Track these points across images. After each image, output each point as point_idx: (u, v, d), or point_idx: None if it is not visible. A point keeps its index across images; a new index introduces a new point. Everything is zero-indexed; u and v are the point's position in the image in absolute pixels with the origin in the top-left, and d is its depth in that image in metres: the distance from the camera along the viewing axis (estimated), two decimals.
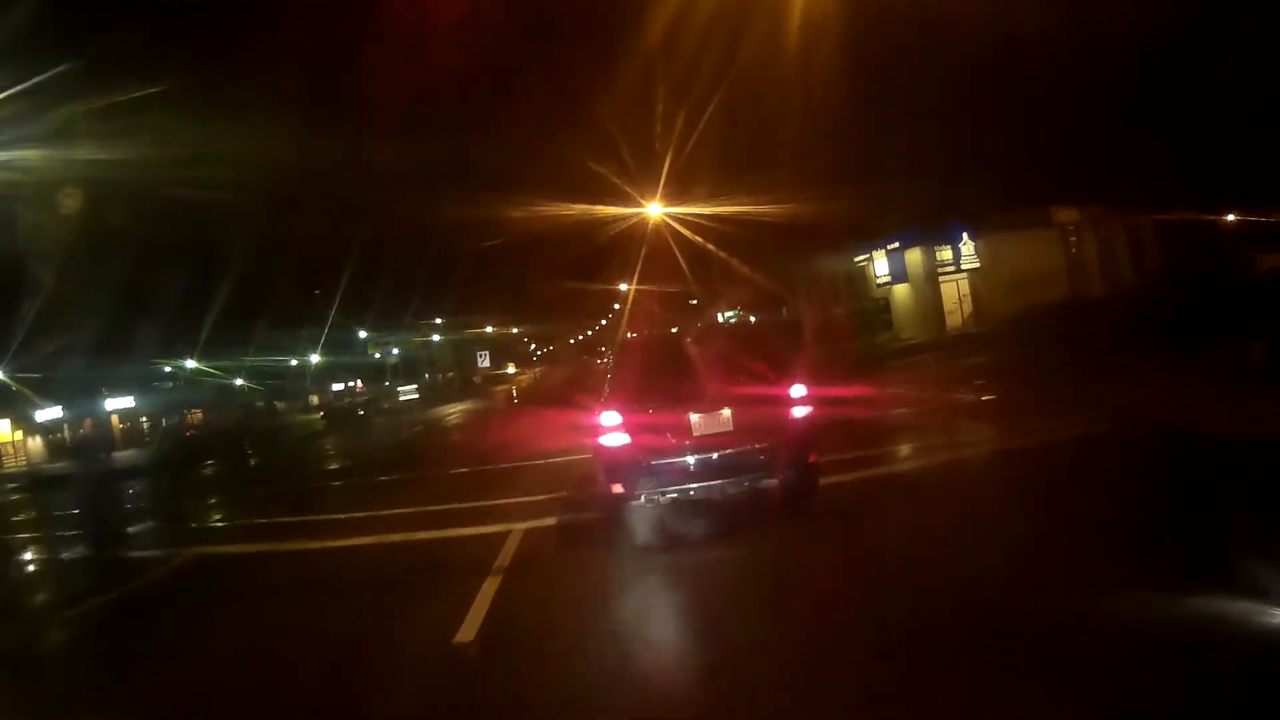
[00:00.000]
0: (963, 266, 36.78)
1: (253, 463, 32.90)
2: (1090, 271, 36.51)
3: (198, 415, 58.93)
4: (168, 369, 59.60)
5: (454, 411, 47.90)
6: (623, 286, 63.44)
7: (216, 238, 49.10)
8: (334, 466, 26.02)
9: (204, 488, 25.42)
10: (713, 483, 8.78)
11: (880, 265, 39.41)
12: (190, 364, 57.60)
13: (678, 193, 36.79)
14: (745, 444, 8.77)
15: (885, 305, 40.01)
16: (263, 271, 56.49)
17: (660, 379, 9.53)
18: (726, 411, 8.86)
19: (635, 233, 41.96)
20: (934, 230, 36.54)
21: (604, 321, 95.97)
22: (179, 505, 20.50)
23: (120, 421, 57.72)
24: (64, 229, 35.20)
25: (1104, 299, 32.17)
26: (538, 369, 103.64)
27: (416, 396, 66.40)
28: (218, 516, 17.56)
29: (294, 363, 69.67)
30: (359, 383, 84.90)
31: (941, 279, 37.33)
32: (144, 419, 59.50)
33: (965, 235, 36.49)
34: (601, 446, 9.17)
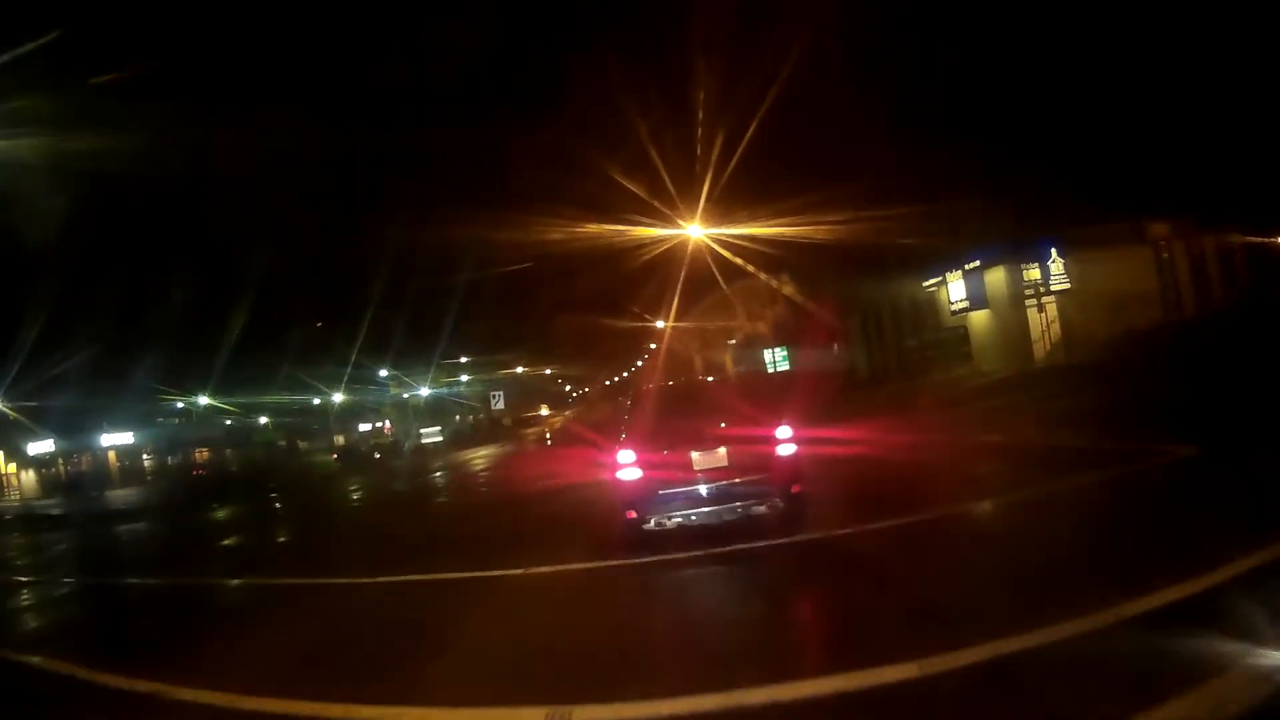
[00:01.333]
0: (1052, 288, 32.33)
1: (277, 506, 29.67)
2: (1183, 291, 32.30)
3: (204, 454, 55.62)
4: (179, 404, 55.86)
5: (477, 457, 44.03)
6: (660, 324, 59.74)
7: (232, 269, 45.90)
8: (283, 534, 21.63)
9: (155, 547, 21.46)
10: (711, 509, 9.88)
11: (956, 289, 34.92)
12: (203, 400, 53.82)
13: (721, 213, 32.83)
14: (737, 477, 9.92)
15: (964, 335, 35.50)
16: (282, 306, 53.05)
17: (667, 422, 10.89)
18: (722, 450, 10.03)
19: (674, 259, 38.07)
20: (1019, 247, 32.25)
21: (640, 362, 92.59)
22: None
23: (119, 458, 54.26)
24: (70, 250, 32.30)
25: (1199, 322, 28.81)
26: (570, 411, 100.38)
27: (440, 439, 62.59)
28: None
29: (316, 401, 66.11)
30: (388, 423, 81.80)
31: (1028, 303, 32.83)
32: (145, 456, 56.10)
33: (1054, 252, 32.15)
34: (619, 480, 10.35)
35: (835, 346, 49.85)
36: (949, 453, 15.96)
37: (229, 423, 58.47)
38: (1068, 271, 31.95)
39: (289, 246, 49.76)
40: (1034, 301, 32.64)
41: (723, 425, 10.30)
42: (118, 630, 10.52)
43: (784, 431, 10.16)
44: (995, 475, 12.51)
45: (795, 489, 10.09)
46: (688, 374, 64.02)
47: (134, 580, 14.98)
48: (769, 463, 10.05)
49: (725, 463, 9.98)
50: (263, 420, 61.45)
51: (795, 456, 10.25)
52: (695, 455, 9.99)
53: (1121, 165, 28.86)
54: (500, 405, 59.30)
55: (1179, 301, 32.00)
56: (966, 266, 33.88)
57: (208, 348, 46.28)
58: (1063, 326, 32.60)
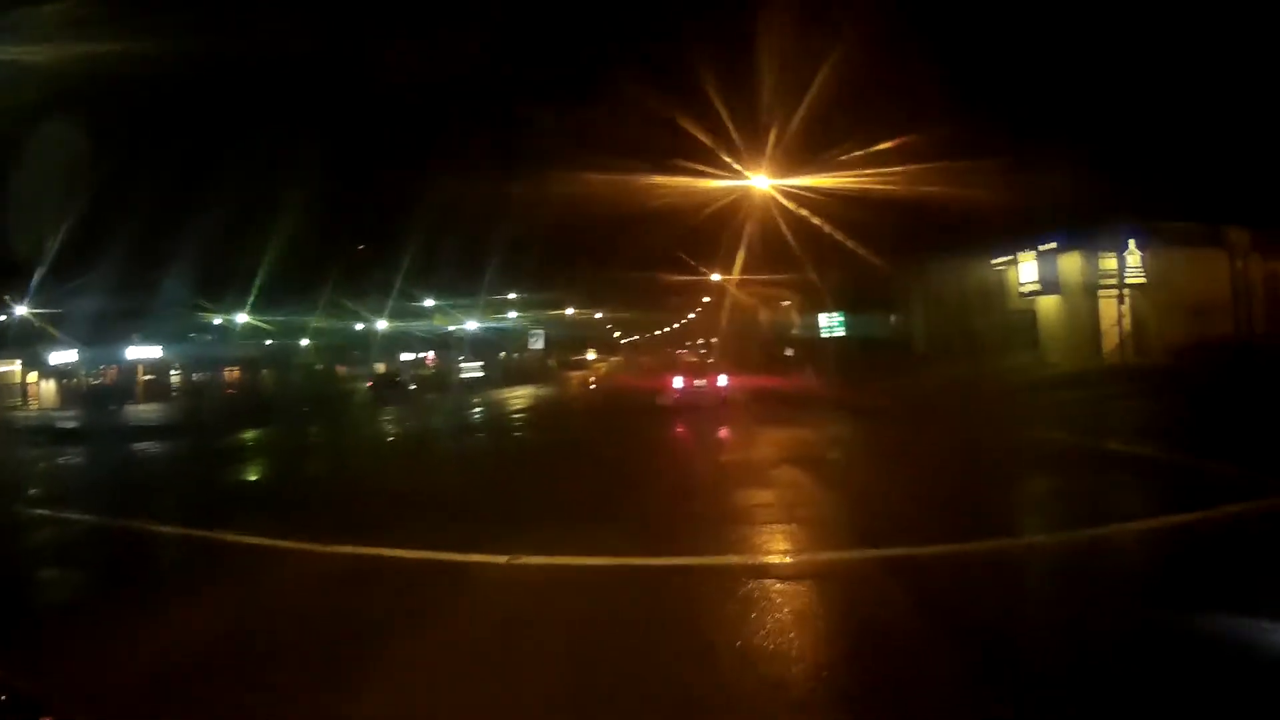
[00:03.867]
0: (1128, 280, 30.09)
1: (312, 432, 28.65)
2: (1255, 306, 30.11)
3: (236, 374, 54.80)
4: (215, 320, 54.71)
5: (515, 396, 43.03)
6: (715, 277, 58.07)
7: (279, 184, 44.62)
8: (276, 470, 20.11)
9: (129, 473, 20.11)
10: (699, 396, 28.63)
11: (1027, 270, 32.68)
12: (240, 318, 52.76)
13: (787, 165, 30.85)
14: (707, 389, 29.14)
15: (1032, 320, 33.22)
16: (329, 227, 51.83)
17: (686, 368, 36.64)
18: (704, 380, 29.95)
19: (735, 211, 36.27)
20: (1096, 233, 30.07)
21: (692, 315, 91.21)
22: None
23: (145, 372, 53.51)
24: (110, 150, 31.19)
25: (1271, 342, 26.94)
26: (617, 358, 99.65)
27: (481, 375, 61.46)
28: None
29: (359, 327, 65.02)
30: (431, 354, 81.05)
31: (1102, 293, 30.63)
32: (174, 371, 55.31)
33: (1132, 243, 29.87)
34: (670, 389, 29.26)
35: (892, 318, 47.85)
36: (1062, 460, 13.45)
37: (269, 343, 57.51)
38: (1145, 266, 29.76)
39: (341, 165, 48.42)
40: (1108, 293, 30.44)
41: (703, 373, 31.19)
42: None
43: (723, 378, 29.49)
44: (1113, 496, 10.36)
45: (724, 395, 28.59)
46: (742, 331, 62.74)
47: (65, 515, 13.14)
48: (716, 386, 29.05)
49: (705, 385, 29.20)
50: (304, 342, 60.40)
51: (728, 386, 29.16)
52: (695, 381, 29.54)
53: (1210, 164, 26.79)
54: (539, 345, 57.05)
55: (1250, 315, 29.82)
56: (1041, 248, 31.70)
57: (249, 264, 45.04)
58: (1134, 323, 30.43)
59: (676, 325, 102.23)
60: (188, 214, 39.76)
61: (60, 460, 22.98)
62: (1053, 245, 31.26)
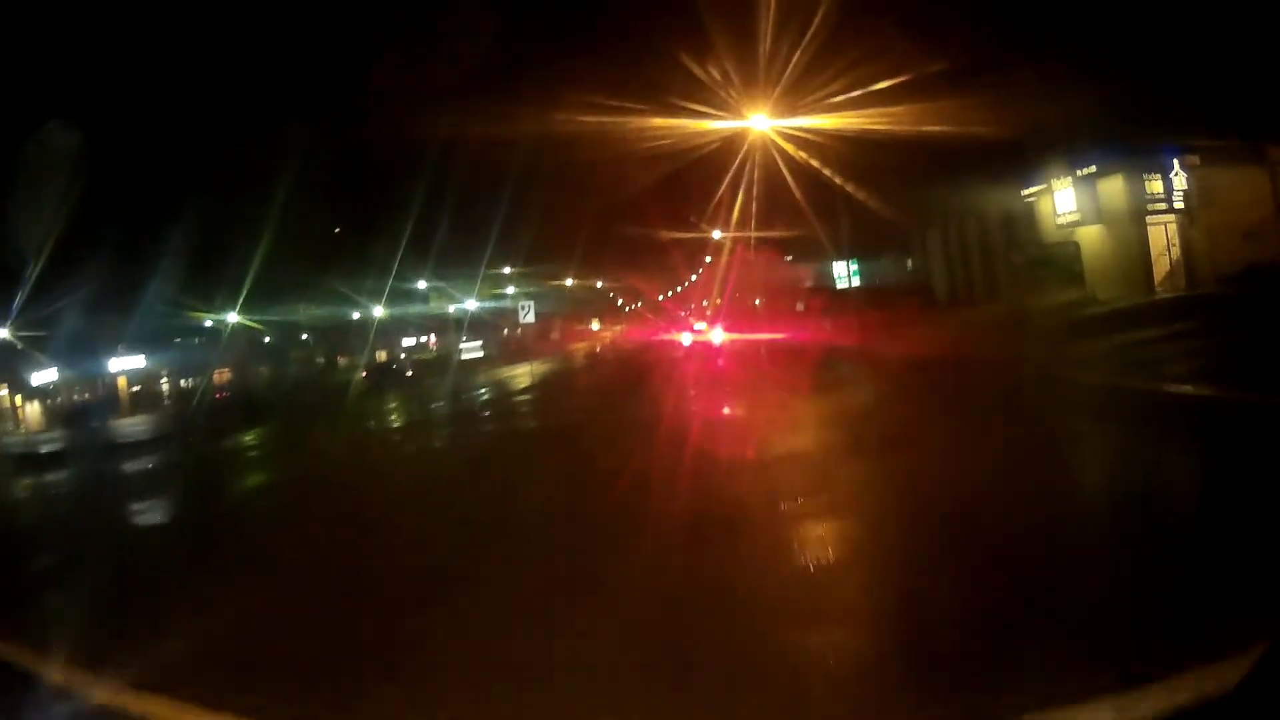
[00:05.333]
0: (1175, 205, 27.87)
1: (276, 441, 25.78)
2: None
3: (225, 375, 52.85)
4: (206, 322, 52.71)
5: (514, 375, 41.32)
6: (716, 234, 55.93)
7: (265, 176, 42.54)
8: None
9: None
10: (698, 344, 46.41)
11: (1063, 198, 30.09)
12: (231, 317, 50.70)
13: (788, 104, 28.63)
14: (709, 343, 44.65)
15: (1075, 252, 30.66)
16: (320, 216, 49.89)
17: (696, 327, 58.49)
18: (705, 337, 49.05)
19: (734, 161, 34.27)
20: (1138, 153, 27.79)
21: (694, 277, 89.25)
22: None
23: (131, 384, 51.63)
24: (84, 156, 29.46)
25: None
26: (621, 326, 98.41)
27: (481, 354, 59.59)
28: None
29: (356, 316, 62.90)
30: (433, 337, 79.38)
31: (1150, 220, 28.36)
32: (164, 379, 53.51)
33: (1176, 163, 27.61)
34: (681, 344, 48.74)
35: (909, 263, 45.94)
36: None
37: (266, 340, 55.75)
38: (1190, 187, 27.48)
39: (326, 147, 46.32)
40: (1156, 219, 28.20)
41: (710, 326, 52.63)
42: None
43: (719, 331, 46.95)
44: None
45: (723, 348, 40.35)
46: (748, 286, 61.11)
47: None
48: (714, 342, 44.41)
49: (708, 338, 47.58)
50: (303, 336, 58.68)
51: (725, 340, 42.98)
52: (699, 339, 49.57)
53: (1244, 78, 24.46)
54: (530, 318, 53.97)
55: None
56: (1079, 172, 29.25)
57: (238, 260, 43.12)
58: (1184, 250, 28.18)
59: (680, 288, 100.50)
60: (169, 215, 37.87)
61: None
62: (1092, 169, 28.84)
